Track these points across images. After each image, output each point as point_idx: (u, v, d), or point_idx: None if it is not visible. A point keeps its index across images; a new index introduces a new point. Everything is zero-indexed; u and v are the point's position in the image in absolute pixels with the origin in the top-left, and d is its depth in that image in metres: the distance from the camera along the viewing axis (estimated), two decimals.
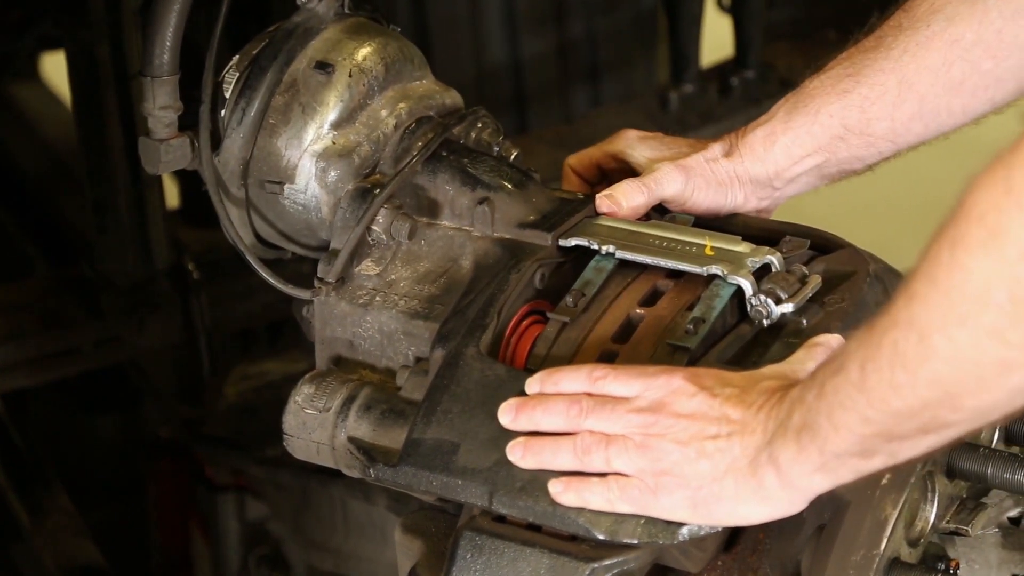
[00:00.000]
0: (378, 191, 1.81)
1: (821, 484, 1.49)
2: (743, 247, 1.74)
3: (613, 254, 1.75)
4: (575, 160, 1.93)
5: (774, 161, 1.83)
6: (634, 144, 1.89)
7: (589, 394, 1.60)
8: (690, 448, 1.53)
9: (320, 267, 1.81)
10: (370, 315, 1.78)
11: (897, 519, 1.54)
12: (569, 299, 1.73)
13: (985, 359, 1.32)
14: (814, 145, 1.82)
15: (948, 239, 1.32)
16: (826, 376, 1.46)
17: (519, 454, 1.60)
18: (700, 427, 1.54)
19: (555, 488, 1.58)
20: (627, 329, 1.70)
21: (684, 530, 1.55)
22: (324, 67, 1.85)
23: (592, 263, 1.76)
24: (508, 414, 1.62)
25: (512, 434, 1.62)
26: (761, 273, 1.71)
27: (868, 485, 1.55)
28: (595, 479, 1.57)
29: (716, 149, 1.85)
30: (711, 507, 1.53)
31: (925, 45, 1.78)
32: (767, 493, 1.51)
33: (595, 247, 1.76)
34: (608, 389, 1.59)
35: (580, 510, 1.57)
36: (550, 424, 1.60)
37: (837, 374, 1.44)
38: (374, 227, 1.81)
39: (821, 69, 1.84)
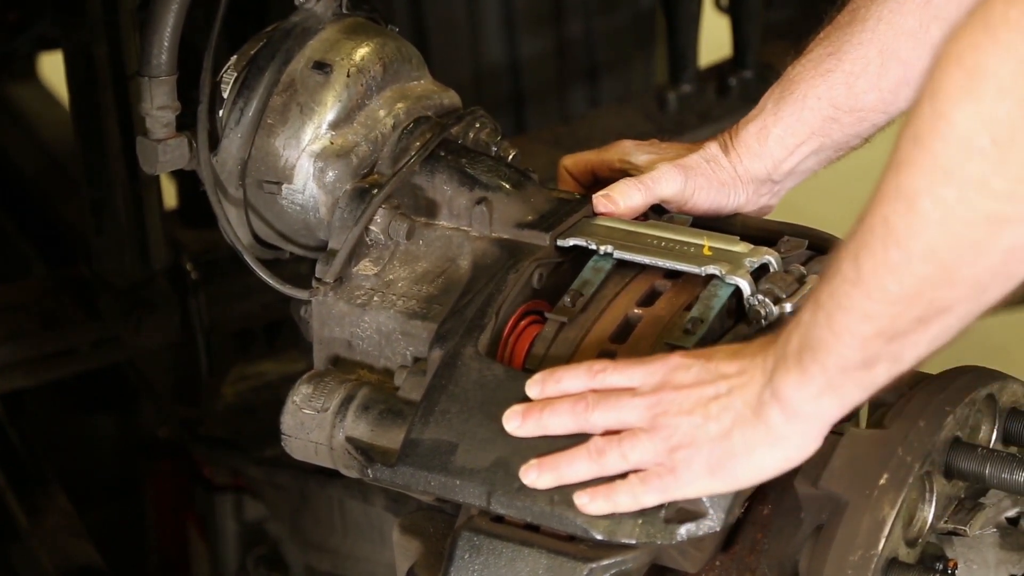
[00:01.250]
0: (376, 191, 1.81)
1: (829, 408, 1.48)
2: (741, 247, 1.74)
3: (611, 254, 1.75)
4: (570, 162, 1.92)
5: (771, 155, 1.83)
6: (631, 152, 1.89)
7: (593, 390, 1.59)
8: (696, 415, 1.53)
9: (318, 267, 1.81)
10: (368, 315, 1.78)
11: (895, 519, 1.54)
12: (567, 299, 1.73)
13: (975, 216, 1.29)
14: (807, 131, 1.82)
15: (929, 92, 1.29)
16: (820, 287, 1.44)
17: (535, 475, 1.59)
18: (701, 392, 1.53)
19: (581, 500, 1.57)
20: (625, 329, 1.70)
21: (682, 530, 1.55)
22: (322, 67, 1.85)
23: (590, 263, 1.76)
24: (514, 420, 1.62)
25: (510, 435, 1.62)
26: (759, 273, 1.71)
27: (866, 485, 1.55)
28: (617, 481, 1.56)
29: (713, 148, 1.85)
30: (727, 467, 1.52)
31: (898, 11, 1.77)
32: (776, 433, 1.50)
33: (593, 247, 1.76)
34: (610, 381, 1.59)
35: (578, 510, 1.57)
36: (558, 425, 1.60)
37: (832, 279, 1.42)
38: (372, 227, 1.81)
39: (801, 54, 1.84)
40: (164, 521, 2.87)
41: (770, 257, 1.73)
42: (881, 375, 1.44)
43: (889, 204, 1.34)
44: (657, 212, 1.85)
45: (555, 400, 1.61)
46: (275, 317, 2.83)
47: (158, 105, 1.84)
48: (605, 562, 1.56)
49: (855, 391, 1.47)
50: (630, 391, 1.58)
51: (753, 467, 1.52)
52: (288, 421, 1.76)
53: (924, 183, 1.31)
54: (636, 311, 1.72)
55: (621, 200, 1.80)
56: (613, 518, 1.57)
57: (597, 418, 1.58)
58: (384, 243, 1.82)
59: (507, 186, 1.81)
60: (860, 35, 1.79)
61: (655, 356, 1.60)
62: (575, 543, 1.59)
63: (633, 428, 1.56)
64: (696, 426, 1.53)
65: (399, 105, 1.87)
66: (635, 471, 1.56)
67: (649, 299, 1.73)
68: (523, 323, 1.74)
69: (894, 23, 1.78)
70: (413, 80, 1.91)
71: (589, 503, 1.57)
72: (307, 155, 1.84)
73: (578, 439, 1.60)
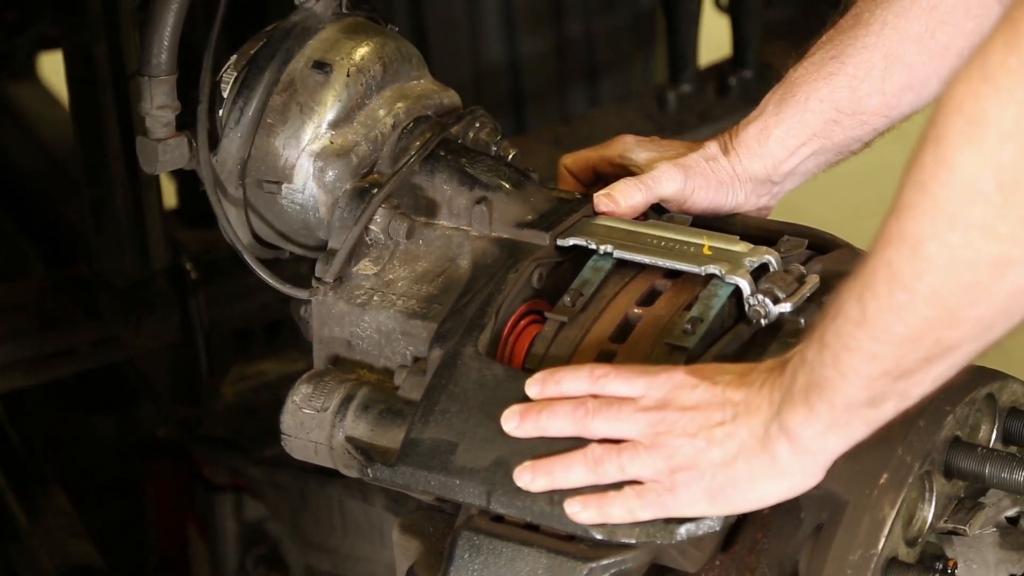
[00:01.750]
0: (376, 191, 1.81)
1: (835, 444, 1.49)
2: (741, 247, 1.74)
3: (611, 254, 1.75)
4: (571, 160, 1.92)
5: (771, 156, 1.83)
6: (631, 147, 1.89)
7: (594, 396, 1.59)
8: (699, 439, 1.53)
9: (318, 267, 1.81)
10: (368, 315, 1.78)
11: (895, 519, 1.54)
12: (567, 299, 1.72)
13: (980, 259, 1.30)
14: (808, 133, 1.82)
15: (931, 139, 1.30)
16: (825, 326, 1.45)
17: (528, 478, 1.59)
18: (706, 416, 1.54)
19: (572, 508, 1.57)
20: (625, 329, 1.70)
21: (682, 529, 1.55)
22: (322, 67, 1.85)
23: (590, 263, 1.76)
24: (512, 420, 1.61)
25: (511, 435, 1.62)
26: (759, 273, 1.71)
27: (866, 484, 1.55)
28: (612, 492, 1.56)
29: (713, 148, 1.85)
30: (728, 494, 1.53)
31: (904, 16, 1.77)
32: (782, 467, 1.50)
33: (593, 247, 1.76)
34: (611, 389, 1.59)
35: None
36: (557, 428, 1.59)
37: (836, 319, 1.43)
38: (372, 227, 1.81)
39: (803, 56, 1.84)
40: (164, 521, 2.87)
41: (770, 257, 1.72)
42: (888, 411, 1.46)
43: (893, 248, 1.35)
44: (657, 211, 1.85)
45: (555, 403, 1.60)
46: (275, 317, 2.83)
47: (158, 105, 1.84)
48: (605, 562, 1.56)
49: (861, 427, 1.48)
50: (631, 401, 1.57)
51: (754, 496, 1.53)
52: (288, 421, 1.76)
53: (928, 228, 1.32)
54: (636, 311, 1.71)
55: (622, 199, 1.80)
56: None
57: (597, 426, 1.58)
58: (384, 243, 1.82)
59: (507, 186, 1.81)
60: (864, 39, 1.79)
61: (659, 367, 1.60)
62: (575, 543, 1.58)
63: (633, 441, 1.56)
64: (699, 450, 1.53)
65: (399, 105, 1.87)
66: (630, 482, 1.56)
67: (649, 299, 1.73)
68: (523, 323, 1.74)
69: (899, 28, 1.78)
70: (413, 80, 1.91)
71: (581, 511, 1.57)
72: (307, 154, 1.84)
73: (577, 442, 1.59)
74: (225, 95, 1.86)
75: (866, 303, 1.39)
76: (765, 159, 1.83)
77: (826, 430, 1.48)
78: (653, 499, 1.55)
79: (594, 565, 1.56)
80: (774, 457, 1.50)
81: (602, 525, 1.57)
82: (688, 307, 1.70)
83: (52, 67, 3.45)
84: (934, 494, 1.60)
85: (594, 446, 1.57)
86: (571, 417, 1.59)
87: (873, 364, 1.41)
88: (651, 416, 1.55)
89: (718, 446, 1.53)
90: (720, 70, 3.17)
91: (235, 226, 1.88)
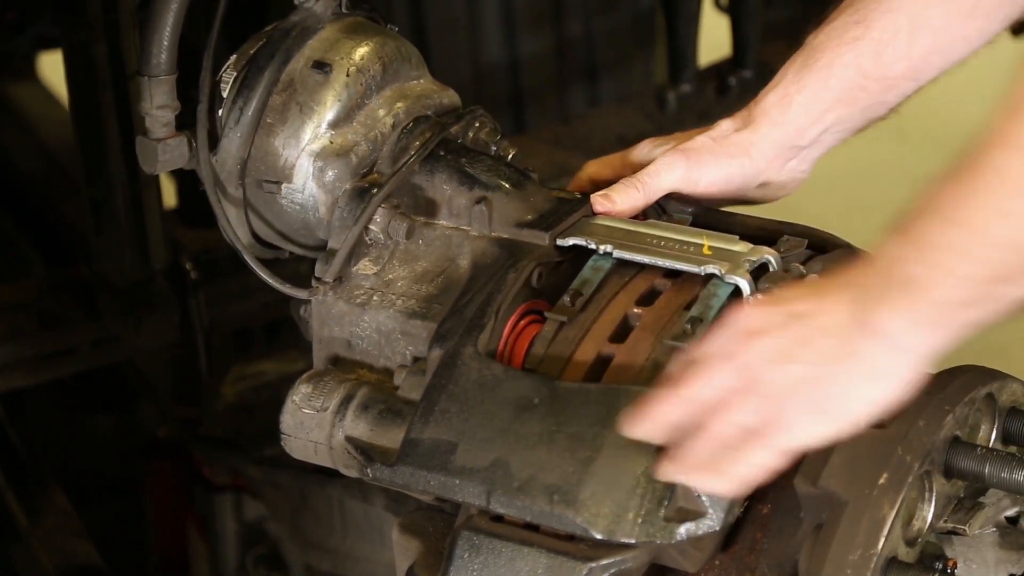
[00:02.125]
0: (376, 190, 1.81)
1: (925, 340, 1.46)
2: (741, 246, 1.74)
3: (611, 253, 1.75)
4: (595, 168, 1.88)
5: (793, 123, 1.80)
6: (651, 150, 1.87)
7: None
8: (779, 362, 1.51)
9: (318, 267, 1.81)
10: (368, 315, 1.78)
11: (895, 518, 1.54)
12: (567, 298, 1.72)
13: None
14: (832, 98, 1.79)
15: None
16: (914, 224, 1.41)
17: (671, 471, 1.55)
18: (777, 335, 1.51)
19: (698, 480, 1.54)
20: (625, 328, 1.70)
21: (682, 529, 1.56)
22: (322, 67, 1.85)
23: (590, 263, 1.76)
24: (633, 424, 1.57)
25: (510, 434, 1.62)
26: (759, 272, 1.71)
27: (866, 484, 1.55)
28: (727, 457, 1.53)
29: (725, 125, 1.83)
30: (828, 406, 1.50)
31: None
32: (872, 366, 1.47)
33: (593, 247, 1.76)
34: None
35: (577, 510, 1.57)
36: (675, 413, 1.55)
37: (932, 218, 1.40)
38: (372, 227, 1.81)
39: (823, 23, 1.81)
40: (164, 521, 2.87)
41: (769, 256, 1.72)
42: (983, 314, 1.43)
43: (1000, 152, 1.33)
44: (661, 211, 1.84)
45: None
46: (275, 317, 2.83)
47: (158, 104, 1.84)
48: (604, 561, 1.56)
49: (957, 326, 1.45)
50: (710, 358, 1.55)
51: (854, 402, 1.50)
52: (288, 420, 1.76)
53: None
54: (636, 310, 1.72)
55: (619, 199, 1.80)
56: (613, 516, 1.57)
57: (691, 392, 1.55)
58: (384, 242, 1.82)
59: (507, 185, 1.81)
60: (888, 3, 1.76)
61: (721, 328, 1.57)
62: (575, 542, 1.58)
63: (728, 391, 1.53)
64: (783, 372, 1.50)
65: (399, 104, 1.87)
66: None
67: (648, 298, 1.73)
68: (523, 323, 1.74)
69: None
70: (412, 79, 1.91)
71: (710, 480, 1.54)
72: (307, 154, 1.84)
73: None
74: (225, 95, 1.86)
75: (969, 205, 1.36)
76: (788, 126, 1.80)
77: (915, 325, 1.44)
78: (766, 441, 1.51)
79: (594, 565, 1.56)
80: (862, 358, 1.47)
81: (604, 520, 1.56)
82: (688, 307, 1.70)
83: (52, 67, 3.45)
84: (934, 494, 1.60)
85: (696, 417, 1.54)
86: (680, 401, 1.55)
87: (970, 265, 1.39)
88: (734, 361, 1.53)
89: (798, 363, 1.50)
90: (720, 70, 3.18)
91: (235, 226, 1.88)
